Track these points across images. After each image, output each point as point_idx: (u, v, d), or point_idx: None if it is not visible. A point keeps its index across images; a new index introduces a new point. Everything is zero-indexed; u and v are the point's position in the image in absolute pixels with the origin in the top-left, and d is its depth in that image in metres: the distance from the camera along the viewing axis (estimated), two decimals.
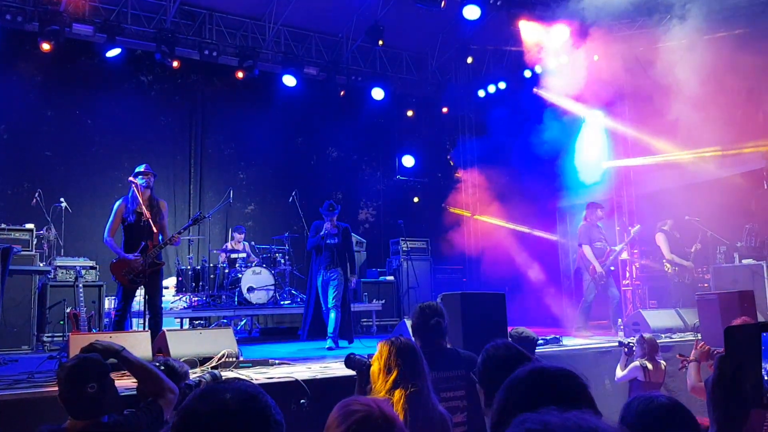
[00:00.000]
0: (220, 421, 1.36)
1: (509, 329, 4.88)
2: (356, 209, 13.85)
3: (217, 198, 11.93)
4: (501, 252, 12.43)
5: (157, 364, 3.23)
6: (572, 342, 7.54)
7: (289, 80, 11.80)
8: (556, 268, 12.10)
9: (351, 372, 4.92)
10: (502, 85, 12.73)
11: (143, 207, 6.51)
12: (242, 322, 10.51)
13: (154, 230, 6.48)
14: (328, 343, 7.63)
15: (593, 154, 11.04)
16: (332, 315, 7.80)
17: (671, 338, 7.52)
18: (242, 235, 10.66)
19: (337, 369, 5.28)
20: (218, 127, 12.56)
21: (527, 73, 11.93)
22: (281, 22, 11.74)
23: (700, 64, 9.01)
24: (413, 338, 3.99)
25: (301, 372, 4.96)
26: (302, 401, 4.41)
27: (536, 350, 4.95)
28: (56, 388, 4.70)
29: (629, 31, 10.45)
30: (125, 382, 4.38)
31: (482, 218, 13.59)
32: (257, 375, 4.83)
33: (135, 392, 3.26)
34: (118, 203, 6.62)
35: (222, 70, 11.91)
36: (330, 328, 7.76)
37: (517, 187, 12.34)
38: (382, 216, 14.00)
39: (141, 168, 6.69)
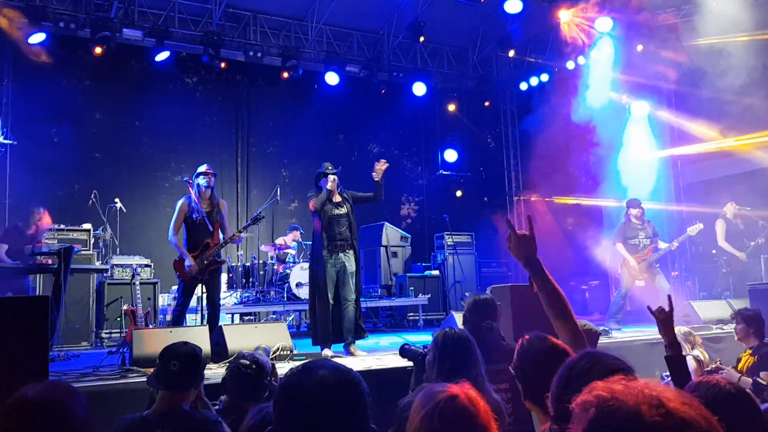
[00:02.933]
0: (320, 393, 1.47)
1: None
2: (398, 204, 13.95)
3: (262, 196, 12.17)
4: (547, 245, 12.35)
5: (247, 362, 3.35)
6: (621, 334, 7.50)
7: (331, 78, 11.95)
8: (602, 262, 11.98)
9: (405, 362, 5.03)
10: (544, 77, 12.66)
11: (205, 206, 6.68)
12: (290, 318, 10.70)
13: (215, 229, 6.64)
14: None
15: (640, 145, 10.90)
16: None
17: (723, 329, 7.42)
18: (298, 234, 10.78)
19: (390, 360, 5.39)
20: (262, 126, 12.80)
21: (570, 65, 11.85)
22: (323, 21, 11.89)
23: (746, 50, 8.86)
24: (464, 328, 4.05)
25: (356, 363, 5.07)
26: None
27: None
28: (120, 381, 4.97)
29: (674, 19, 10.29)
30: None
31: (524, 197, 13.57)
32: None
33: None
34: (181, 202, 6.72)
35: (266, 70, 12.13)
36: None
37: (563, 180, 12.26)
38: (425, 210, 14.07)
39: (203, 168, 6.83)
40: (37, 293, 7.95)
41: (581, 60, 11.50)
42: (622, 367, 1.85)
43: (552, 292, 2.54)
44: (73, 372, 5.46)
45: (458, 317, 6.75)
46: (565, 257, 12.04)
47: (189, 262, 6.49)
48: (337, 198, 6.64)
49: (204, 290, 6.73)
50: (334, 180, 6.58)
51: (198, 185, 6.72)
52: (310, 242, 10.55)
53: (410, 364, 4.41)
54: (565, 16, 10.67)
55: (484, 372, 3.46)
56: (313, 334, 6.40)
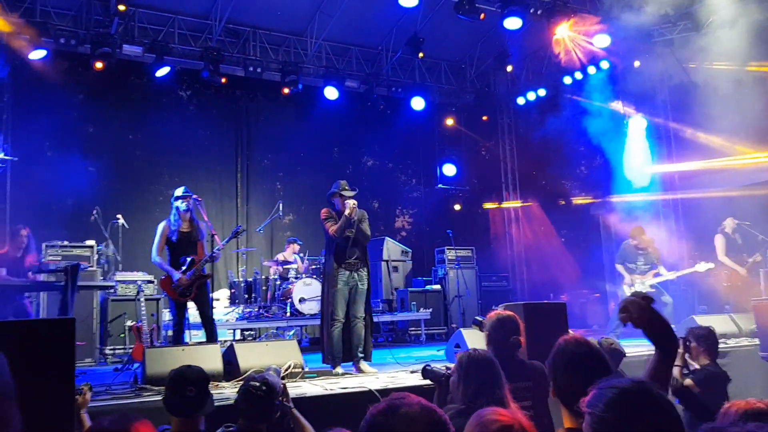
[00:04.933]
0: (408, 430, 1.45)
1: (599, 338, 4.91)
2: (392, 217, 14.01)
3: (261, 210, 12.18)
4: (546, 258, 12.46)
5: (257, 384, 3.36)
6: (632, 350, 7.52)
7: (330, 93, 12.01)
8: (601, 274, 12.07)
9: (420, 381, 5.03)
10: (542, 92, 12.79)
11: (185, 226, 6.79)
12: (291, 332, 10.67)
13: (197, 246, 6.75)
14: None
15: (638, 159, 11.03)
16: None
17: (726, 344, 7.46)
18: (297, 246, 10.80)
19: (405, 378, 5.41)
20: (261, 140, 12.83)
21: (567, 80, 11.97)
22: (323, 37, 11.97)
23: (743, 67, 9.00)
24: (487, 347, 4.07)
25: (372, 382, 5.07)
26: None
27: None
28: (136, 400, 4.94)
29: (670, 35, 10.44)
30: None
31: (516, 204, 13.64)
32: (330, 385, 4.97)
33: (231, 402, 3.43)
34: (162, 225, 6.84)
35: (266, 85, 12.18)
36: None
37: (560, 192, 12.36)
38: (423, 224, 14.12)
39: (180, 192, 6.89)
40: (41, 311, 7.90)
41: (578, 75, 11.62)
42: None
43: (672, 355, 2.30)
44: None
45: (466, 333, 6.78)
46: (563, 269, 12.14)
47: (177, 275, 6.58)
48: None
49: (196, 307, 6.81)
50: (354, 206, 6.44)
51: (177, 208, 6.79)
52: (313, 257, 10.73)
53: (427, 382, 4.43)
54: (563, 33, 10.78)
55: (508, 392, 3.48)
56: (323, 351, 6.39)
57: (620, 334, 8.40)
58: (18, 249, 7.31)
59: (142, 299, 7.66)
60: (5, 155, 9.91)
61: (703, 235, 9.56)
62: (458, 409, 3.16)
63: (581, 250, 12.54)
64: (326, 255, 6.65)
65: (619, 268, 9.01)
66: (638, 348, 7.23)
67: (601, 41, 10.54)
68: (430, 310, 10.70)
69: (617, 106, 11.37)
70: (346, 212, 6.36)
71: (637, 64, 10.89)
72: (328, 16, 11.58)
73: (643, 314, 2.29)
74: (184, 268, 6.65)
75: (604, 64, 11.26)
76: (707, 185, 10.36)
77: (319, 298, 9.34)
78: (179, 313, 6.68)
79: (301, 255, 10.80)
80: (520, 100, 13.34)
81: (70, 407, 3.35)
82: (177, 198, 6.84)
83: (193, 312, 7.19)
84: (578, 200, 12.38)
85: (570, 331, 5.20)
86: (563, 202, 12.78)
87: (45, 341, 3.40)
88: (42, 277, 7.18)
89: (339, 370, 6.18)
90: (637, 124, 11.21)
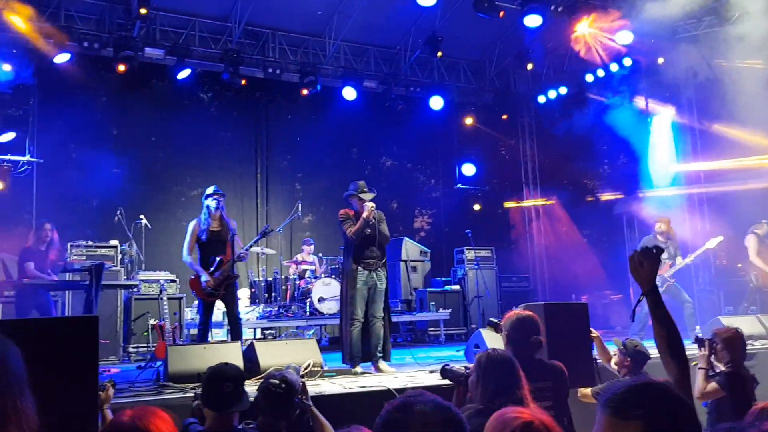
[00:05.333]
0: (424, 428, 1.46)
1: (624, 340, 4.87)
2: (411, 217, 14.00)
3: (280, 210, 12.26)
4: (567, 258, 12.38)
5: (277, 381, 3.38)
6: (655, 351, 7.44)
7: (348, 94, 12.04)
8: (624, 275, 11.95)
9: (439, 381, 5.03)
10: (563, 90, 12.68)
11: (215, 225, 6.81)
12: (311, 332, 10.72)
13: (227, 246, 6.76)
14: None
15: (663, 157, 10.90)
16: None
17: (753, 345, 7.34)
18: (311, 247, 10.90)
19: (425, 378, 5.41)
20: (280, 141, 12.90)
21: (589, 78, 11.88)
22: (341, 37, 12.00)
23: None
24: (506, 347, 4.06)
25: (391, 381, 5.09)
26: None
27: None
28: (158, 397, 5.01)
29: (695, 31, 10.32)
30: None
31: (539, 202, 13.55)
32: (350, 384, 4.99)
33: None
34: (192, 223, 6.88)
35: (284, 87, 12.24)
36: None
37: (583, 191, 12.27)
38: (442, 224, 14.09)
39: (210, 190, 6.95)
40: (66, 310, 8.03)
41: (601, 73, 11.52)
42: None
43: (670, 326, 2.29)
44: None
45: (486, 334, 6.75)
46: (586, 269, 12.04)
47: (206, 277, 6.62)
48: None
49: (223, 306, 6.87)
50: (373, 208, 6.45)
51: (207, 206, 6.84)
52: (332, 256, 10.78)
53: (446, 382, 4.43)
54: (583, 30, 10.70)
55: (527, 393, 3.46)
56: (343, 351, 6.41)
57: (645, 336, 8.34)
58: (42, 243, 7.45)
59: (164, 298, 7.75)
60: (31, 157, 10.09)
61: (731, 232, 9.39)
62: (477, 409, 3.16)
63: (604, 249, 12.43)
64: (345, 255, 6.67)
65: None
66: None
67: (624, 38, 10.43)
68: (450, 310, 10.68)
69: (641, 103, 11.26)
70: (364, 215, 6.38)
71: (661, 61, 10.77)
72: (346, 16, 11.62)
73: (654, 266, 2.27)
74: (212, 268, 6.69)
75: (627, 61, 11.15)
76: (734, 182, 10.22)
77: (338, 297, 9.40)
78: (206, 312, 6.74)
79: (320, 255, 10.85)
80: (541, 99, 13.24)
81: (94, 403, 3.41)
82: (208, 196, 6.89)
83: (215, 310, 7.25)
84: (604, 196, 12.26)
85: (592, 330, 5.18)
86: (592, 198, 12.68)
87: (70, 339, 3.47)
88: (67, 276, 7.30)
89: (358, 369, 6.20)
90: (661, 122, 11.09)
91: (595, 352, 5.23)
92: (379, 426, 1.55)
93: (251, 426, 3.57)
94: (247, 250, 6.94)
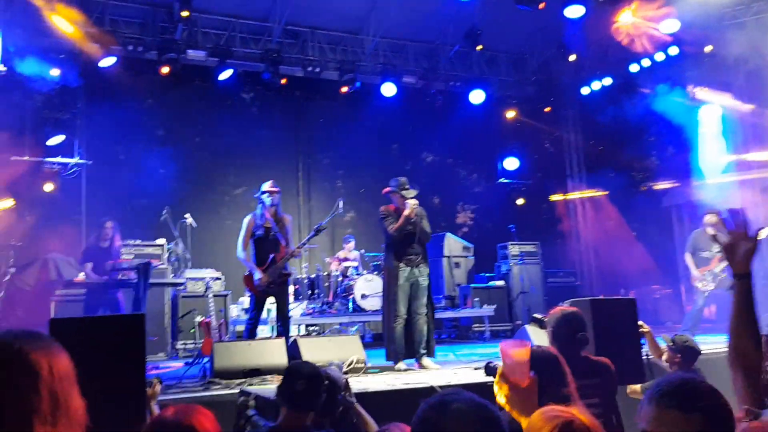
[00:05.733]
0: (460, 427, 1.44)
1: (673, 335, 4.75)
2: (454, 213, 13.91)
3: (321, 208, 12.32)
4: (615, 252, 12.12)
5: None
6: (708, 347, 7.24)
7: (388, 90, 12.00)
8: (675, 267, 11.66)
9: (484, 378, 4.97)
10: (607, 81, 12.40)
11: (270, 221, 6.81)
12: (354, 328, 10.75)
13: (281, 243, 6.76)
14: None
15: (713, 147, 10.58)
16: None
17: None
18: (352, 244, 10.94)
19: (469, 375, 5.37)
20: (321, 139, 12.97)
21: (634, 68, 11.60)
22: (380, 34, 11.99)
23: None
24: (551, 344, 3.98)
25: (435, 378, 5.05)
26: None
27: None
28: (205, 393, 5.08)
29: (743, 18, 9.98)
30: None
31: (587, 194, 13.29)
32: (393, 381, 4.97)
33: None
34: (247, 218, 6.92)
35: (324, 85, 12.30)
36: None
37: (630, 184, 12.00)
38: (485, 219, 13.97)
39: (267, 185, 6.97)
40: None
41: (646, 62, 11.25)
42: None
43: (755, 324, 2.05)
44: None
45: (531, 330, 6.66)
46: (634, 263, 11.78)
47: (259, 275, 6.65)
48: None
49: (274, 303, 6.91)
50: (415, 206, 6.47)
51: (263, 202, 6.86)
52: (373, 253, 10.78)
53: (491, 379, 4.36)
54: (627, 19, 10.45)
55: (574, 390, 3.39)
56: (387, 348, 6.39)
57: (696, 332, 8.11)
58: (104, 241, 7.61)
59: (210, 296, 7.85)
60: (80, 159, 10.36)
61: None
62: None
63: (653, 242, 12.13)
64: (386, 252, 6.65)
65: (688, 258, 8.43)
66: (715, 345, 6.95)
67: (669, 26, 10.15)
68: (494, 306, 10.56)
69: (688, 93, 10.94)
70: (406, 212, 6.40)
71: (708, 48, 10.45)
72: (384, 13, 11.59)
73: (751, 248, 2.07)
74: (265, 266, 6.72)
75: (673, 50, 10.85)
76: None
77: (381, 294, 9.41)
78: (257, 307, 6.78)
79: (362, 252, 10.86)
80: (585, 90, 12.97)
81: (142, 398, 3.47)
82: (263, 192, 6.93)
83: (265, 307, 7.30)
84: (652, 188, 11.97)
85: (643, 324, 5.05)
86: (641, 190, 12.39)
87: (118, 336, 3.55)
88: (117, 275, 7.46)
89: (401, 366, 6.18)
90: (710, 111, 10.75)
91: (647, 348, 5.11)
92: (416, 424, 1.53)
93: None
94: (301, 247, 6.98)
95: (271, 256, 6.73)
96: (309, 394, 3.04)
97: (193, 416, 1.69)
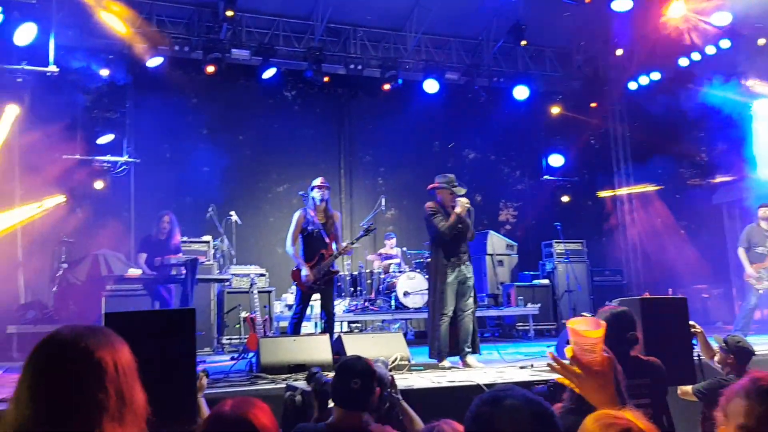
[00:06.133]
0: (513, 423, 1.43)
1: (725, 336, 4.64)
2: (496, 210, 13.79)
3: (363, 205, 12.35)
4: (663, 251, 11.86)
5: None
6: (762, 348, 7.03)
7: (430, 86, 11.95)
8: (725, 267, 11.35)
9: (530, 377, 4.91)
10: (655, 76, 12.10)
11: (320, 217, 6.85)
12: (396, 326, 10.75)
13: (329, 240, 6.79)
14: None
15: (765, 144, 10.26)
16: None
17: None
18: (393, 241, 10.94)
19: (513, 373, 5.32)
20: (362, 136, 12.99)
21: (684, 62, 11.31)
22: (422, 30, 11.94)
23: None
24: None
25: (480, 376, 5.02)
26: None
27: None
28: (251, 387, 5.14)
29: None
30: None
31: (636, 189, 13.04)
32: (438, 378, 4.96)
33: None
34: (297, 214, 6.94)
35: (366, 82, 12.32)
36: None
37: (679, 181, 11.71)
38: (528, 217, 13.81)
39: (317, 181, 6.98)
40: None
41: (696, 56, 10.96)
42: None
43: None
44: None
45: None
46: (683, 262, 11.50)
47: (306, 271, 6.68)
48: None
49: (320, 300, 6.95)
50: (467, 204, 6.45)
51: (312, 198, 6.89)
52: (415, 250, 10.76)
53: (536, 378, 4.31)
54: (677, 12, 10.20)
55: (624, 388, 3.33)
56: (431, 345, 6.36)
57: (748, 332, 7.87)
58: (161, 233, 7.76)
59: (255, 291, 7.94)
60: (129, 158, 10.60)
61: None
62: (568, 408, 3.06)
63: (702, 241, 11.82)
64: (434, 249, 6.55)
65: (740, 253, 8.16)
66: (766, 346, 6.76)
67: (721, 19, 9.87)
68: (539, 305, 10.45)
69: (741, 87, 10.62)
70: (458, 210, 6.36)
71: (762, 41, 10.13)
72: (427, 9, 11.55)
73: None
74: (313, 262, 6.75)
75: (725, 43, 10.55)
76: None
77: (423, 291, 9.42)
78: (303, 303, 6.81)
79: (404, 249, 10.85)
80: (632, 85, 12.67)
81: (193, 392, 3.53)
82: (313, 188, 6.96)
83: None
84: (702, 185, 11.68)
85: (695, 324, 4.92)
86: (690, 186, 12.09)
87: (169, 330, 3.62)
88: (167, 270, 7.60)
89: (446, 363, 6.15)
90: (763, 106, 10.42)
91: (698, 348, 4.98)
92: (469, 420, 1.53)
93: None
94: (350, 245, 7.00)
95: (321, 252, 6.76)
96: (364, 393, 2.95)
97: (250, 410, 1.71)
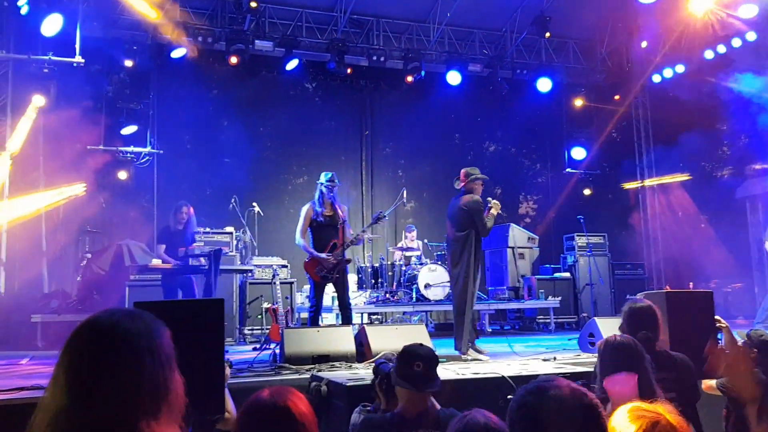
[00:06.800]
0: (558, 413, 1.44)
1: (748, 330, 4.60)
2: (516, 203, 13.73)
3: (384, 198, 12.35)
4: (684, 245, 11.76)
5: (391, 364, 3.40)
6: None
7: (453, 78, 11.91)
8: (747, 261, 11.23)
9: (554, 369, 4.91)
10: (680, 69, 11.97)
11: (327, 210, 6.93)
12: (416, 318, 10.77)
13: (339, 230, 6.86)
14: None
15: None
16: None
17: None
18: (414, 233, 10.94)
19: (537, 365, 5.32)
20: (384, 128, 12.97)
21: (709, 54, 11.16)
22: (445, 22, 11.90)
23: None
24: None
25: (504, 368, 5.02)
26: (509, 396, 4.46)
27: None
28: (276, 377, 5.17)
29: None
30: None
31: (664, 180, 12.97)
32: (462, 370, 4.96)
33: None
34: (306, 207, 7.04)
35: (388, 74, 12.31)
36: None
37: (701, 175, 11.59)
38: (548, 210, 13.73)
39: (323, 178, 7.07)
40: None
41: (721, 49, 10.81)
42: None
43: None
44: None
45: (600, 323, 6.53)
46: (704, 256, 11.40)
47: (324, 255, 6.74)
48: None
49: (334, 291, 6.99)
50: (498, 206, 6.70)
51: (321, 192, 6.96)
52: (434, 243, 10.73)
53: (563, 370, 4.30)
54: (702, 5, 10.06)
55: (652, 376, 3.32)
56: (461, 337, 6.36)
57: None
58: (179, 223, 7.82)
59: (277, 282, 7.99)
60: (152, 148, 10.69)
61: None
62: (598, 398, 3.06)
63: (725, 235, 11.70)
64: (466, 242, 6.51)
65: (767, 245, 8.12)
66: None
67: (747, 11, 9.73)
68: (560, 298, 10.41)
69: (765, 80, 10.46)
70: (494, 212, 6.61)
71: None
72: (451, 0, 11.49)
73: None
74: (326, 251, 6.82)
75: (751, 36, 10.40)
76: None
77: (444, 284, 9.47)
78: (317, 295, 6.88)
79: (425, 241, 10.84)
80: (656, 78, 12.55)
81: (221, 382, 3.56)
82: (322, 182, 7.04)
83: (326, 296, 7.41)
84: (725, 179, 11.55)
85: (720, 319, 4.88)
86: (712, 180, 11.97)
87: (198, 320, 3.64)
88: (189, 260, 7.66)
89: (472, 354, 6.20)
90: None
91: (723, 343, 4.94)
92: (513, 410, 1.54)
93: (368, 408, 3.63)
94: (361, 233, 7.05)
95: (333, 242, 6.81)
96: (428, 375, 3.04)
97: (289, 398, 1.73)
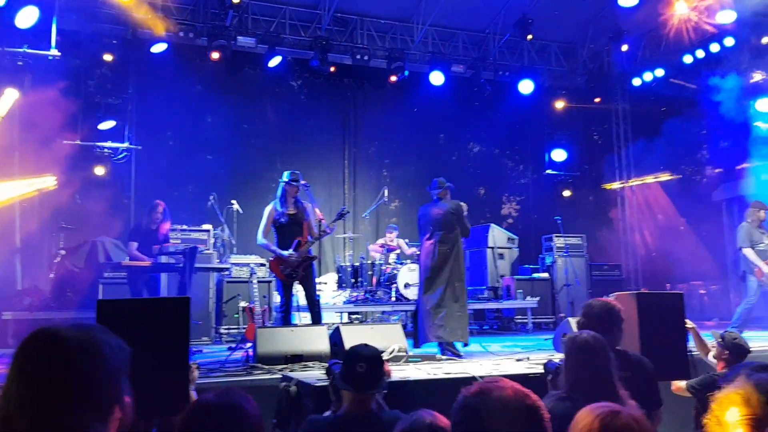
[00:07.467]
0: (500, 413, 1.43)
1: (722, 332, 4.64)
2: (499, 204, 13.78)
3: (367, 196, 12.33)
4: (662, 247, 11.85)
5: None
6: (757, 345, 7.02)
7: (436, 78, 11.90)
8: (723, 264, 11.33)
9: (526, 369, 4.92)
10: (659, 72, 12.06)
11: (291, 209, 6.90)
12: (395, 317, 10.75)
13: (303, 228, 6.84)
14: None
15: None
16: None
17: None
18: (394, 234, 10.92)
19: (509, 365, 5.33)
20: (368, 127, 12.94)
21: (688, 59, 11.26)
22: (429, 22, 11.89)
23: None
24: None
25: (475, 368, 5.02)
26: None
27: None
28: (247, 378, 5.13)
29: None
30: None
31: (644, 180, 13.08)
32: (434, 370, 4.96)
33: None
34: (268, 208, 7.01)
35: (372, 73, 12.28)
36: None
37: (680, 179, 11.68)
38: (530, 211, 13.80)
39: (285, 177, 7.02)
40: (161, 291, 8.36)
41: (700, 53, 10.91)
42: None
43: None
44: (201, 368, 5.68)
45: (574, 323, 6.56)
46: (681, 258, 11.51)
47: (287, 253, 6.70)
48: None
49: (302, 289, 6.96)
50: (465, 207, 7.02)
51: (284, 190, 6.93)
52: (417, 243, 10.70)
53: (534, 371, 4.30)
54: (681, 9, 10.15)
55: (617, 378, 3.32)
56: (462, 331, 6.59)
57: (745, 329, 7.85)
58: (153, 222, 7.75)
59: (254, 281, 7.94)
60: (130, 144, 10.57)
61: None
62: (559, 396, 3.07)
63: (702, 237, 11.83)
64: (456, 243, 6.75)
65: (749, 252, 8.01)
66: (764, 343, 6.76)
67: (725, 17, 9.83)
68: (538, 298, 10.46)
69: (743, 85, 10.56)
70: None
71: (765, 40, 10.08)
72: (435, 1, 11.50)
73: None
74: (291, 249, 6.78)
75: (729, 41, 10.50)
76: None
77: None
78: (286, 293, 6.85)
79: (407, 241, 10.83)
80: (636, 81, 12.65)
81: (186, 381, 3.53)
82: (284, 181, 7.01)
83: (300, 295, 7.37)
84: (702, 182, 11.66)
85: (687, 321, 4.91)
86: (689, 184, 12.08)
87: (164, 318, 3.60)
88: (162, 258, 7.59)
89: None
90: (765, 106, 10.36)
91: (691, 344, 4.98)
92: (455, 411, 1.53)
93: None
94: (323, 231, 6.97)
95: (297, 240, 6.77)
96: (371, 376, 3.01)
97: (234, 397, 1.70)
